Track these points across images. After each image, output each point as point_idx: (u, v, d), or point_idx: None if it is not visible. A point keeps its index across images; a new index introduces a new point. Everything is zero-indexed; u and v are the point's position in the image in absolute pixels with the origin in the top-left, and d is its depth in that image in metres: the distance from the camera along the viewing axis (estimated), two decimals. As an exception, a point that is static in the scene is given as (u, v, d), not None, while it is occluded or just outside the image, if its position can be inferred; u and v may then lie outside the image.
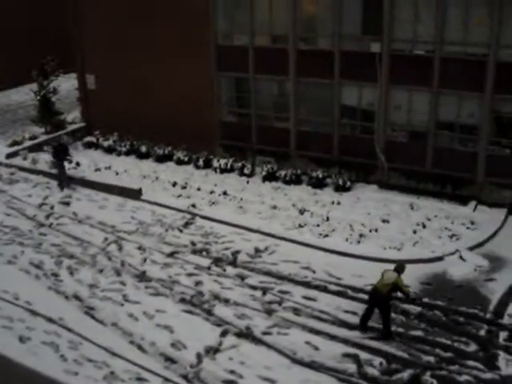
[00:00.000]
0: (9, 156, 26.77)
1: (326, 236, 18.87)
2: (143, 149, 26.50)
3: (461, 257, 17.47)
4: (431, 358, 13.33)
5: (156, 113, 26.16)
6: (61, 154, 23.54)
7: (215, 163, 24.62)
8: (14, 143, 27.96)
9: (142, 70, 26.22)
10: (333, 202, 21.25)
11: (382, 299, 13.83)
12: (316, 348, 13.78)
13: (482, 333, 14.23)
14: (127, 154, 26.90)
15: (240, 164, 24.22)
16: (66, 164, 23.85)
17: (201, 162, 24.97)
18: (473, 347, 13.71)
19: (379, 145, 21.99)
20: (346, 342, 13.96)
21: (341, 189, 22.14)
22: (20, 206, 22.18)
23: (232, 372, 13.06)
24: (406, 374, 12.84)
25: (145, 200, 22.13)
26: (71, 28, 28.40)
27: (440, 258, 17.49)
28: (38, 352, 13.75)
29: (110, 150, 27.39)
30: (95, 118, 28.82)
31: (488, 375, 12.81)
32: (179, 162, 25.55)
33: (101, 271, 17.46)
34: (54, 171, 24.12)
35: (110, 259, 18.15)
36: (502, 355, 13.43)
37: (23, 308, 15.57)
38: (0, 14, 38.41)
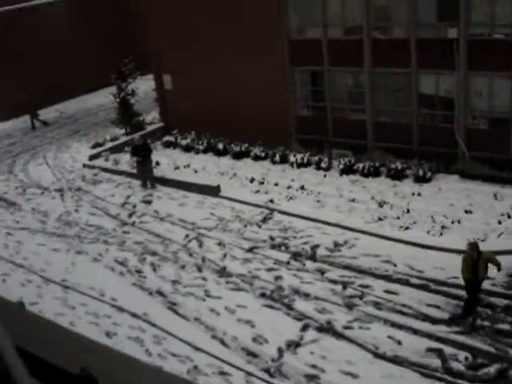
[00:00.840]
0: (91, 158, 27.69)
1: (407, 228, 18.53)
2: (220, 146, 26.81)
3: (549, 247, 16.78)
4: (520, 353, 12.89)
5: (231, 110, 26.37)
6: (139, 153, 23.60)
7: (291, 158, 24.61)
8: (96, 145, 28.91)
9: (215, 68, 26.51)
10: (413, 194, 20.84)
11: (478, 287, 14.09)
12: (399, 342, 13.56)
13: None
14: (205, 151, 27.29)
15: (316, 158, 24.12)
16: (149, 162, 23.97)
17: (277, 158, 25.02)
18: None
19: (460, 133, 21.40)
20: (429, 336, 13.67)
21: (421, 180, 21.67)
22: (103, 205, 22.89)
23: (313, 366, 13.03)
24: (492, 369, 12.45)
25: (223, 196, 22.38)
26: (146, 30, 29.05)
27: (527, 249, 16.85)
28: (125, 347, 14.13)
29: (188, 149, 27.86)
30: (173, 117, 29.36)
31: None
32: (256, 158, 25.70)
33: (183, 267, 17.79)
34: (135, 171, 24.71)
35: (191, 255, 18.47)
36: None
37: (109, 304, 16.07)
38: (76, 24, 39.89)
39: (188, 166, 25.66)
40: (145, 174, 24.03)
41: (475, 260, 13.77)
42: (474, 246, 14.04)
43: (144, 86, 34.91)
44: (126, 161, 26.41)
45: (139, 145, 23.97)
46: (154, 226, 20.78)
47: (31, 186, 25.82)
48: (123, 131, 30.08)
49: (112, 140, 29.23)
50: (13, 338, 0.96)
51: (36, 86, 37.05)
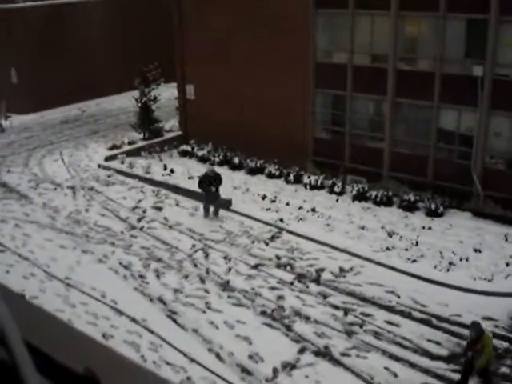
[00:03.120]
0: (107, 159, 27.82)
1: (414, 261, 18.43)
2: (236, 160, 26.87)
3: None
4: (517, 398, 12.74)
5: (250, 125, 26.48)
6: (208, 184, 21.74)
7: (305, 179, 24.62)
8: (113, 147, 29.06)
9: (239, 83, 26.66)
10: (423, 227, 20.75)
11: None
12: (395, 374, 13.44)
13: None
14: (220, 164, 27.33)
15: (330, 181, 24.11)
16: (218, 193, 21.97)
17: (291, 177, 25.04)
18: None
19: (476, 171, 21.33)
20: (426, 371, 13.54)
21: (433, 214, 21.58)
22: (114, 207, 22.95)
23: (307, 390, 12.96)
24: (488, 412, 12.33)
25: (234, 211, 22.40)
26: (174, 40, 29.33)
27: (533, 294, 16.70)
28: (120, 350, 14.09)
29: (203, 160, 27.92)
30: (192, 127, 29.50)
31: None
32: (270, 176, 25.73)
33: (186, 277, 17.77)
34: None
35: (195, 266, 18.45)
36: None
37: (109, 306, 16.06)
38: (110, 25, 40.38)
39: (202, 176, 25.69)
40: (210, 204, 21.99)
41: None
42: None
43: (167, 94, 35.10)
44: (140, 165, 26.53)
45: (211, 176, 21.96)
46: (161, 232, 20.80)
47: (45, 181, 25.97)
48: (141, 136, 30.23)
49: (129, 143, 29.39)
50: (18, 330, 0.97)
51: (65, 81, 37.50)
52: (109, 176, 26.28)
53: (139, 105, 30.27)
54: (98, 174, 26.56)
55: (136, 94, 30.88)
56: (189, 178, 25.45)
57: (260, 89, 26.00)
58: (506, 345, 14.45)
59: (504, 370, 13.60)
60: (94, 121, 36.83)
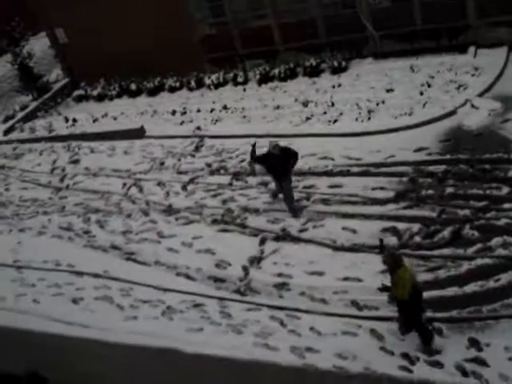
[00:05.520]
0: (6, 132, 26.55)
1: (336, 121, 18.72)
2: (133, 86, 26.14)
3: (472, 105, 17.27)
4: (467, 211, 13.42)
5: (135, 48, 25.48)
6: (273, 165, 14.86)
7: (207, 80, 24.27)
8: (7, 118, 27.72)
9: (108, 9, 25.37)
10: (333, 86, 20.96)
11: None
12: (354, 231, 13.93)
13: (511, 174, 14.21)
14: (119, 96, 26.57)
15: (232, 74, 23.85)
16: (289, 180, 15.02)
17: (193, 84, 24.64)
18: (505, 190, 13.75)
19: (365, 15, 21.38)
20: (381, 217, 14.09)
21: (338, 70, 21.77)
22: (33, 176, 22.20)
23: (280, 275, 13.34)
24: (446, 232, 12.99)
25: (150, 136, 22.01)
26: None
27: (453, 112, 17.32)
28: (94, 308, 14.12)
29: (100, 98, 27.05)
30: (77, 70, 28.33)
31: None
32: (172, 90, 25.23)
33: (129, 216, 17.61)
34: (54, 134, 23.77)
35: (134, 203, 18.27)
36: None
37: (67, 271, 15.86)
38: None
39: (106, 115, 24.94)
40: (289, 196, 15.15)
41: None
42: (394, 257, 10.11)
43: (39, 46, 33.36)
44: (42, 126, 25.52)
45: (276, 154, 14.70)
46: (88, 183, 20.33)
47: (-48, 176, 24.77)
48: (30, 97, 28.92)
49: (22, 109, 28.07)
50: None
51: None
52: (14, 149, 25.18)
53: (16, 67, 28.78)
54: (3, 151, 25.43)
55: (8, 57, 29.27)
56: (94, 121, 24.69)
57: (131, 7, 24.88)
58: (443, 167, 15.07)
59: (450, 190, 14.25)
60: (-25, 98, 34.87)
